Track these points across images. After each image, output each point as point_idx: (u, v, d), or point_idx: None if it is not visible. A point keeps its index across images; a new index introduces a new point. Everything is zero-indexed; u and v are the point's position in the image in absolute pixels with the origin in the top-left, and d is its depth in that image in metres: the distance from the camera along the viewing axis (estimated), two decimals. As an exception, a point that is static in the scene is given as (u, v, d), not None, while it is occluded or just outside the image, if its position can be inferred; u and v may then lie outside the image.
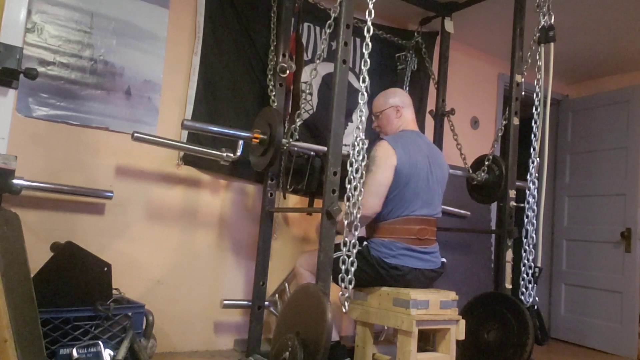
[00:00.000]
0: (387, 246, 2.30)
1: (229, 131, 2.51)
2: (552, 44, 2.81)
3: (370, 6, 2.21)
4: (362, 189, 2.16)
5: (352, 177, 2.15)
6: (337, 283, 2.17)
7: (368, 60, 2.20)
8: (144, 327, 2.27)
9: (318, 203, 2.34)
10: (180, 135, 2.71)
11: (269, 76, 2.85)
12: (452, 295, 2.26)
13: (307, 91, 2.82)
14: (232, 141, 2.58)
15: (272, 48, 2.86)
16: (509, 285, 2.78)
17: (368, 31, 2.20)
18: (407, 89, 3.46)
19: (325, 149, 2.25)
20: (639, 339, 3.69)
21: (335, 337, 2.42)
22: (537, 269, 2.77)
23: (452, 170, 2.77)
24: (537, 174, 2.86)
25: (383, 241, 2.32)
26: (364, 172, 2.18)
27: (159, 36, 2.68)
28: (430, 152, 2.45)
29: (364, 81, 2.21)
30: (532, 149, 2.85)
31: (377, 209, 2.30)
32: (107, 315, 2.07)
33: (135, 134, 2.30)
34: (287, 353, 1.93)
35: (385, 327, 3.02)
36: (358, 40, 3.19)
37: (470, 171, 3.15)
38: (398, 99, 2.56)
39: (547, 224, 4.32)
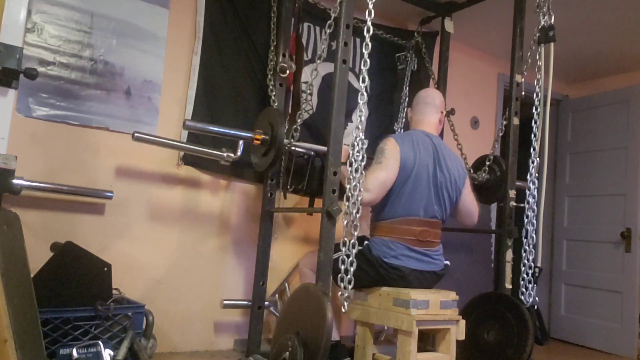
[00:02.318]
0: (388, 245, 2.30)
1: (230, 131, 2.51)
2: (552, 44, 2.81)
3: (370, 6, 2.21)
4: (365, 178, 2.18)
5: (352, 177, 2.15)
6: (337, 283, 2.17)
7: (368, 60, 2.20)
8: (144, 327, 2.27)
9: (318, 203, 2.34)
10: (180, 135, 2.71)
11: (269, 76, 2.85)
12: (452, 296, 2.26)
13: (307, 91, 2.82)
14: (232, 141, 2.58)
15: (272, 48, 2.86)
16: (509, 285, 2.78)
17: (368, 31, 2.20)
18: (407, 89, 3.46)
19: (325, 149, 2.25)
20: (639, 339, 3.69)
21: (335, 337, 2.42)
22: (537, 269, 2.76)
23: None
24: (537, 174, 2.85)
25: (383, 240, 2.32)
26: (363, 172, 2.18)
27: (159, 36, 2.68)
28: (439, 154, 2.39)
29: (363, 81, 2.21)
30: (532, 149, 2.85)
31: (377, 198, 2.26)
32: (107, 315, 2.07)
33: (136, 134, 2.30)
34: (287, 353, 1.93)
35: (385, 327, 3.02)
36: (358, 40, 3.19)
37: (472, 171, 3.15)
38: (412, 102, 2.62)
39: (547, 224, 4.32)
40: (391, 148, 2.31)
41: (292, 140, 2.55)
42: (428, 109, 2.51)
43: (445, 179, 2.38)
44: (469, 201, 2.54)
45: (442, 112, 2.55)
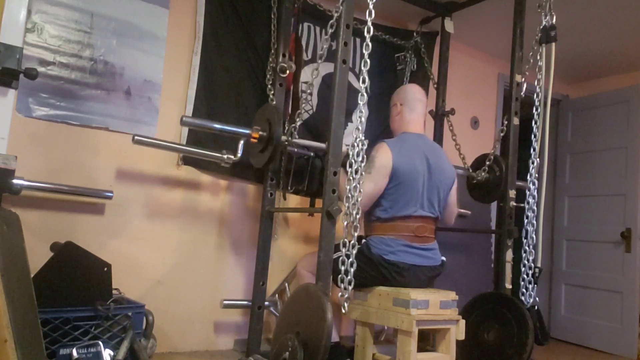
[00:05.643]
0: (386, 242, 2.32)
1: (228, 128, 2.49)
2: (553, 44, 2.81)
3: (371, 6, 2.20)
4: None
5: (351, 177, 2.15)
6: (337, 284, 2.17)
7: (368, 61, 2.20)
8: (144, 327, 2.27)
9: (318, 203, 2.34)
10: (180, 135, 2.71)
11: (269, 76, 2.85)
12: (452, 295, 2.26)
13: (307, 91, 2.82)
14: (232, 142, 2.57)
15: (272, 48, 2.86)
16: (509, 286, 2.78)
17: (368, 31, 2.20)
18: (407, 89, 3.46)
19: (324, 146, 2.25)
20: (639, 339, 3.69)
21: (335, 337, 2.42)
22: (537, 269, 2.76)
23: (452, 170, 2.77)
24: (537, 174, 2.85)
25: (382, 238, 2.34)
26: (363, 173, 2.18)
27: (159, 36, 2.68)
28: (431, 154, 2.45)
29: (363, 81, 2.20)
30: (532, 149, 2.85)
31: (363, 209, 2.33)
32: (107, 315, 2.07)
33: (136, 137, 2.29)
34: (287, 353, 1.93)
35: (385, 327, 3.02)
36: (358, 40, 3.18)
37: (471, 170, 3.15)
38: (398, 96, 2.59)
39: (547, 224, 4.32)
40: (382, 156, 2.35)
41: (290, 137, 2.54)
42: (419, 106, 2.56)
43: (438, 179, 2.43)
44: (453, 201, 2.61)
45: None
